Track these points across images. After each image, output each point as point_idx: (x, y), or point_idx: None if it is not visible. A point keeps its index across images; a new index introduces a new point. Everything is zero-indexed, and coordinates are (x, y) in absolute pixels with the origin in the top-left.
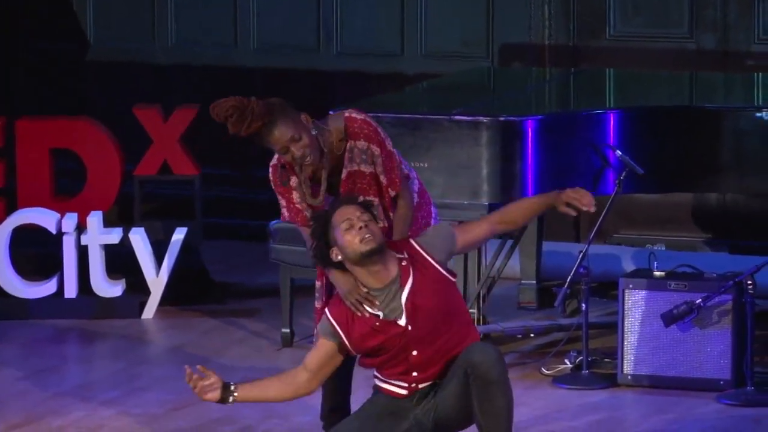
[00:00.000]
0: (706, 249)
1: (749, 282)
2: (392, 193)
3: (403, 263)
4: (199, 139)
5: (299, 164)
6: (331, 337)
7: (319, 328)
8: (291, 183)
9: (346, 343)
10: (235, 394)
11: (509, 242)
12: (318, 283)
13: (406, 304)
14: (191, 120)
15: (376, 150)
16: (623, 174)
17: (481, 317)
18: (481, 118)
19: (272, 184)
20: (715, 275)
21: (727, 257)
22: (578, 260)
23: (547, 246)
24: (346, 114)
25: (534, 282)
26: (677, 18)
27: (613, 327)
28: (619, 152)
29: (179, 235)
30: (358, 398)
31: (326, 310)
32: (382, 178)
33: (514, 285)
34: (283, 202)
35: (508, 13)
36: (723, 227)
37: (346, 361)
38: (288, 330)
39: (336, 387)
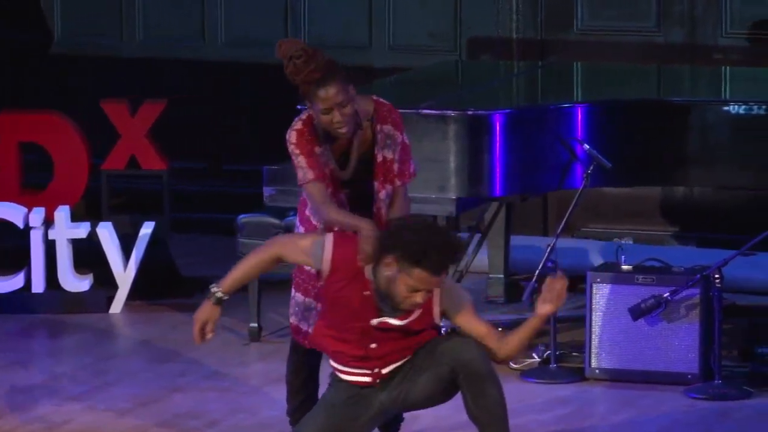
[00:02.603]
0: (674, 243)
1: (717, 276)
2: (398, 183)
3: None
4: (167, 133)
5: (334, 129)
6: (310, 256)
7: (309, 242)
8: (316, 149)
9: (322, 277)
10: (218, 293)
11: (477, 236)
12: (298, 297)
13: (397, 321)
14: (159, 114)
15: (399, 137)
16: (591, 168)
17: None
18: (448, 111)
19: (293, 146)
20: (682, 269)
21: (694, 251)
22: (546, 254)
23: (515, 240)
24: (374, 97)
25: (502, 276)
26: (645, 11)
27: (580, 321)
28: (586, 146)
29: (147, 229)
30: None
31: (331, 236)
32: (395, 167)
33: (482, 279)
34: (303, 162)
35: (476, 6)
36: (690, 221)
37: (313, 357)
38: (255, 324)
39: (303, 383)
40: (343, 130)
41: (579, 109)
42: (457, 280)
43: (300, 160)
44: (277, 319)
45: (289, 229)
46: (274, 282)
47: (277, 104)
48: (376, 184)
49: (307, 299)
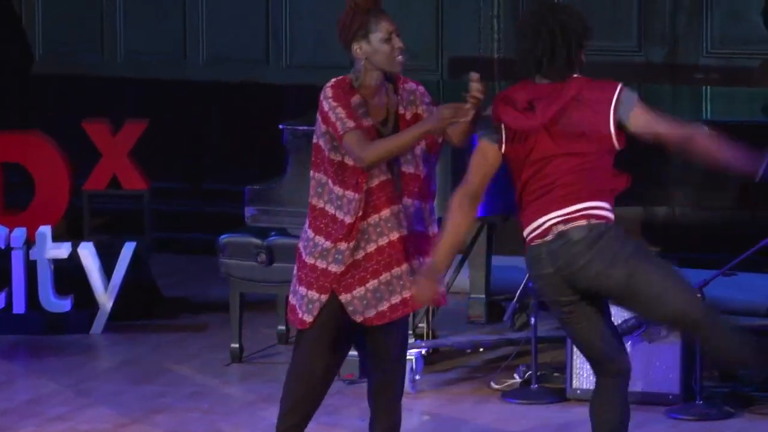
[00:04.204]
0: None
1: (698, 296)
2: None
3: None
4: (149, 153)
5: (395, 58)
6: (493, 140)
7: (482, 134)
8: (352, 101)
9: (503, 138)
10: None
11: (459, 256)
12: (301, 291)
13: None
14: (140, 134)
15: (421, 92)
16: None
17: (430, 331)
18: None
19: (329, 99)
20: None
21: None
22: (527, 274)
23: (496, 260)
24: None
25: (483, 296)
26: (626, 31)
27: (562, 341)
28: None
29: (128, 249)
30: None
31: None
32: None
33: (464, 299)
34: (342, 113)
35: (458, 26)
36: (672, 241)
37: (335, 363)
38: (237, 345)
39: (307, 398)
40: (402, 58)
41: None
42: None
43: (339, 112)
44: (258, 340)
45: (270, 250)
46: (256, 303)
47: (258, 124)
48: None
49: (310, 292)
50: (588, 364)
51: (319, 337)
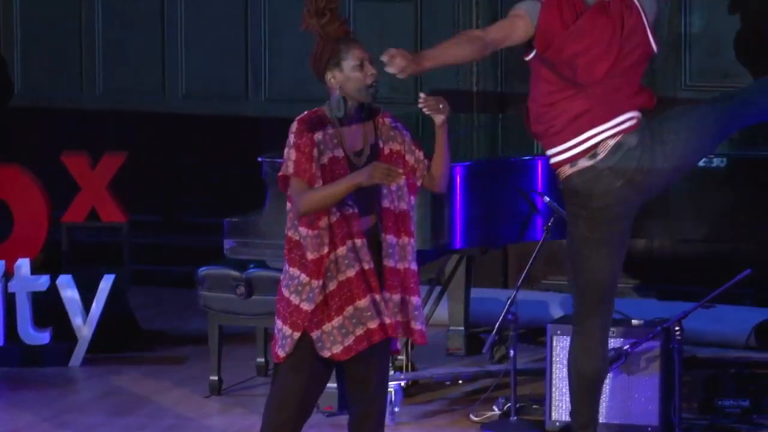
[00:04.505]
0: (634, 295)
1: (677, 328)
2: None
3: None
4: (128, 185)
5: (367, 87)
6: (531, 12)
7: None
8: (316, 136)
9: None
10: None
11: (437, 288)
12: (278, 324)
13: None
14: (119, 166)
15: (402, 130)
16: (551, 220)
17: (409, 363)
18: None
19: (292, 134)
20: (642, 321)
21: (654, 303)
22: (506, 306)
23: (475, 292)
24: None
25: (462, 328)
26: None
27: (541, 373)
28: (547, 198)
29: (107, 282)
30: None
31: None
32: (409, 158)
33: (443, 331)
34: (293, 155)
35: None
36: (651, 273)
37: (312, 394)
38: (216, 377)
39: (284, 430)
40: (375, 86)
41: (539, 161)
42: None
43: (291, 153)
44: (237, 372)
45: (249, 282)
46: (235, 335)
47: (237, 157)
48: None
49: (284, 327)
50: (568, 396)
51: (293, 371)
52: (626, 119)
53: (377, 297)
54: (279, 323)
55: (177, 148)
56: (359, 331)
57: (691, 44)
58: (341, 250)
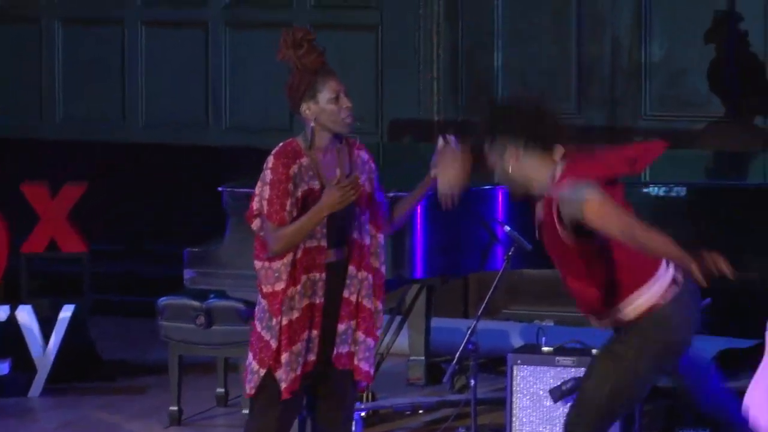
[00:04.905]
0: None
1: None
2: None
3: None
4: (88, 215)
5: (343, 119)
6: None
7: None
8: (291, 170)
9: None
10: None
11: (398, 318)
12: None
13: None
14: (79, 196)
15: (372, 166)
16: (512, 249)
17: (369, 393)
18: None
19: (267, 170)
20: None
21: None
22: (467, 336)
23: (435, 322)
24: None
25: (423, 358)
26: (565, 94)
27: (501, 403)
28: (507, 227)
29: (67, 312)
30: None
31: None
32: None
33: (403, 361)
34: (266, 194)
35: (398, 88)
36: None
37: (287, 426)
38: (176, 408)
39: None
40: (350, 120)
41: (500, 190)
42: (377, 363)
43: (265, 192)
44: (197, 402)
45: (209, 312)
46: (195, 365)
47: (197, 186)
48: (357, 208)
49: (253, 362)
50: (528, 425)
51: (266, 406)
52: None
53: (314, 333)
54: (250, 356)
55: (138, 178)
56: (299, 370)
57: (651, 74)
58: (298, 288)
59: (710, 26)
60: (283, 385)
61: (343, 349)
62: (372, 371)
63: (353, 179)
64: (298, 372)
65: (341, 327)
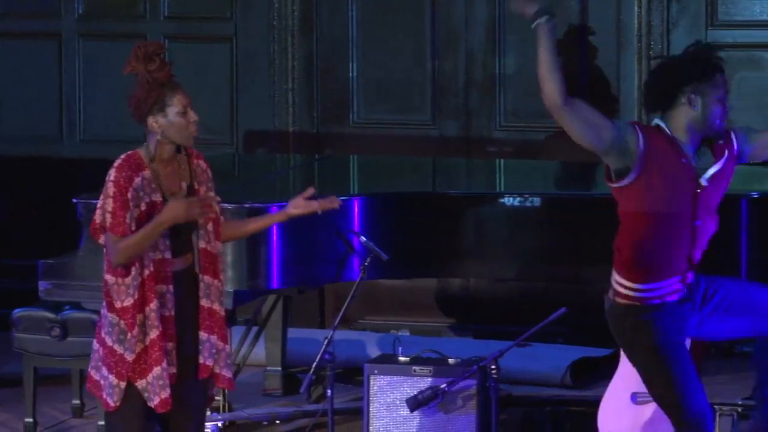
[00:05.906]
0: (451, 334)
1: (493, 367)
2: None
3: None
4: None
5: (190, 132)
6: (624, 132)
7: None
8: (134, 183)
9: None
10: None
11: (254, 329)
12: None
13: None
14: None
15: (210, 175)
16: (368, 260)
17: (226, 404)
18: (225, 205)
19: (110, 183)
20: (459, 360)
21: (471, 342)
22: (323, 346)
23: (292, 332)
24: None
25: (279, 368)
26: (420, 105)
27: (358, 413)
28: (363, 238)
29: None
30: None
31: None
32: (217, 207)
33: (259, 371)
34: (109, 207)
35: (252, 99)
36: (467, 312)
37: (153, 424)
38: (31, 419)
39: None
40: (196, 133)
41: (355, 201)
42: (234, 373)
43: (108, 204)
44: (53, 414)
45: (64, 324)
46: (50, 377)
47: (52, 198)
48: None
49: (110, 376)
50: None
51: (125, 420)
52: None
53: (170, 345)
54: (105, 371)
55: None
56: (167, 385)
57: (506, 85)
58: (152, 305)
59: (562, 38)
60: (156, 400)
61: (207, 358)
62: (233, 378)
63: (206, 198)
64: (167, 387)
65: (203, 336)
